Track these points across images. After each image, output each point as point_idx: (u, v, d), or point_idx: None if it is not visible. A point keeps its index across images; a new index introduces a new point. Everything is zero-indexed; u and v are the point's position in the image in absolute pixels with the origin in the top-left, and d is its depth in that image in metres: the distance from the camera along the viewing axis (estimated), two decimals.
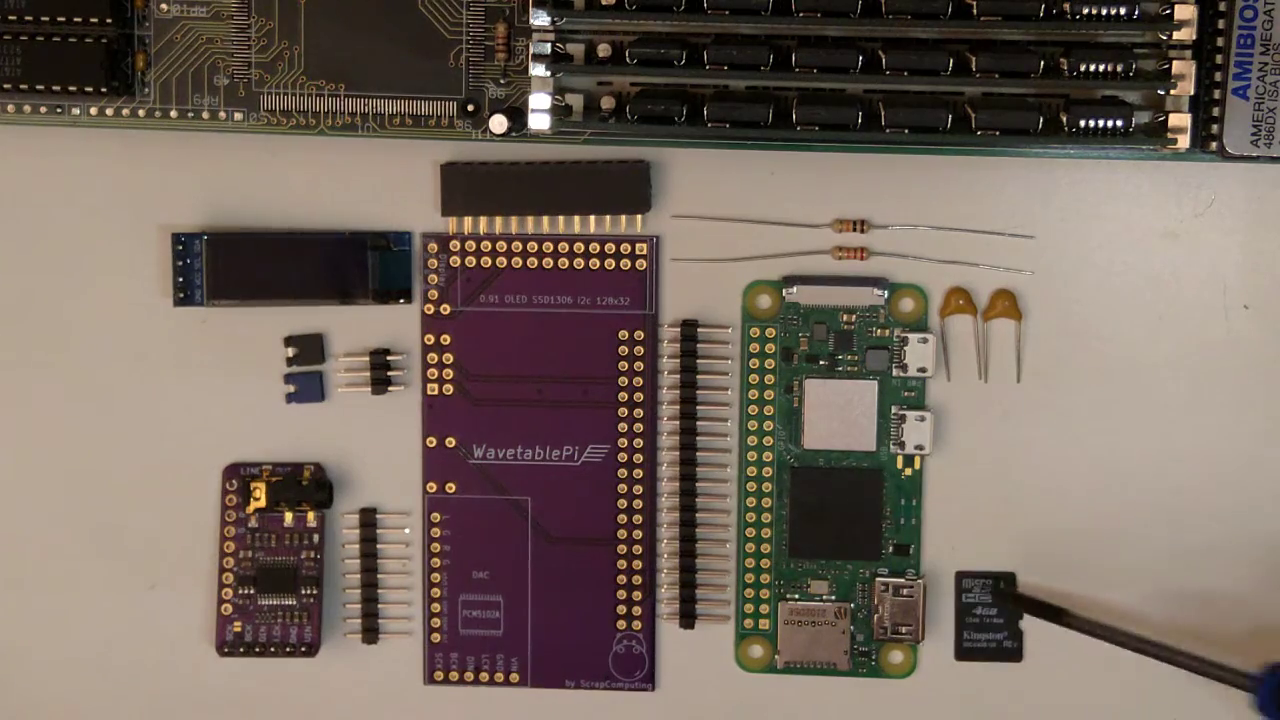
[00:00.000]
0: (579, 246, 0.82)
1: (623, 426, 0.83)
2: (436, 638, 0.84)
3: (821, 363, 0.82)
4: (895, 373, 0.82)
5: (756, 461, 0.83)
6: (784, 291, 0.82)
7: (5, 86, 0.78)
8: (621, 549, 0.83)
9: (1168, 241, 0.81)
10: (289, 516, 0.84)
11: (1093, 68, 0.75)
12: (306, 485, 0.83)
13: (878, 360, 0.82)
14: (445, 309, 0.83)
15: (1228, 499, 0.81)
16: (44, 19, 0.78)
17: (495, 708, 0.85)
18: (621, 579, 0.83)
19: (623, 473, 0.83)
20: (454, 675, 0.84)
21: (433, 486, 0.83)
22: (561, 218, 0.81)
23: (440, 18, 0.79)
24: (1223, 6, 0.75)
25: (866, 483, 0.82)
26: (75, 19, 0.78)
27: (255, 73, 0.79)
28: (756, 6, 0.75)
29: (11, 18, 0.78)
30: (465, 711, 0.85)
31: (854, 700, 0.84)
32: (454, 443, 0.83)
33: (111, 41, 0.78)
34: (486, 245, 0.82)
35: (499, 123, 0.78)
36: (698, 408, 0.82)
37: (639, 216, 0.81)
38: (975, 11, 0.74)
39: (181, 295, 0.82)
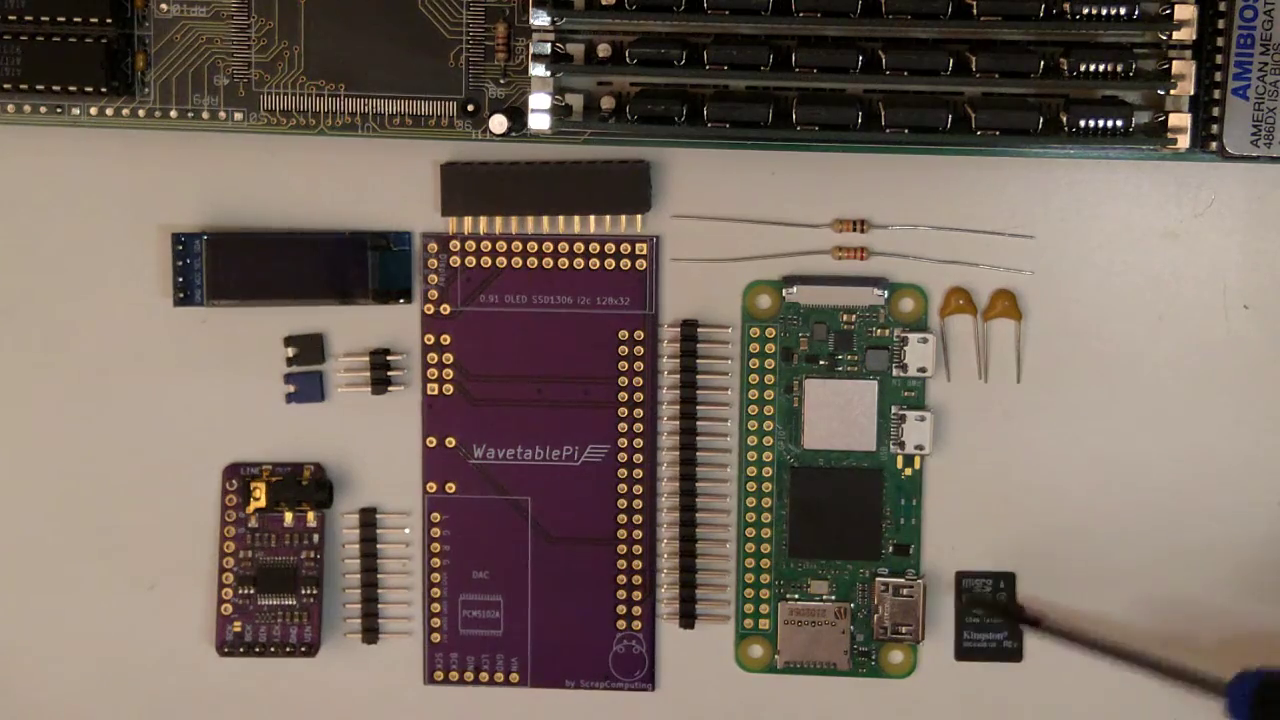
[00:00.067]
0: (579, 246, 0.82)
1: (623, 426, 0.83)
2: (436, 638, 0.84)
3: (821, 363, 0.82)
4: (895, 373, 0.82)
5: (756, 461, 0.82)
6: (784, 291, 0.82)
7: (5, 86, 0.78)
8: (621, 549, 0.83)
9: (1168, 241, 0.81)
10: (289, 516, 0.84)
11: (1093, 68, 0.75)
12: (306, 485, 0.83)
13: (878, 360, 0.82)
14: (445, 309, 0.83)
15: (1227, 499, 0.81)
16: (44, 19, 0.78)
17: (495, 708, 0.85)
18: (621, 579, 0.83)
19: (623, 473, 0.83)
20: (454, 675, 0.84)
21: (433, 486, 0.83)
22: (561, 218, 0.81)
23: (440, 18, 0.79)
24: (1223, 6, 0.75)
25: (866, 483, 0.82)
26: (75, 19, 0.78)
27: (255, 73, 0.79)
28: (756, 6, 0.75)
29: (11, 18, 0.78)
30: (465, 711, 0.85)
31: (854, 700, 0.84)
32: (454, 443, 0.83)
33: (111, 41, 0.78)
34: (486, 245, 0.82)
35: (499, 123, 0.78)
36: (698, 408, 0.82)
37: (639, 216, 0.81)
38: (975, 11, 0.74)
39: (181, 295, 0.82)
